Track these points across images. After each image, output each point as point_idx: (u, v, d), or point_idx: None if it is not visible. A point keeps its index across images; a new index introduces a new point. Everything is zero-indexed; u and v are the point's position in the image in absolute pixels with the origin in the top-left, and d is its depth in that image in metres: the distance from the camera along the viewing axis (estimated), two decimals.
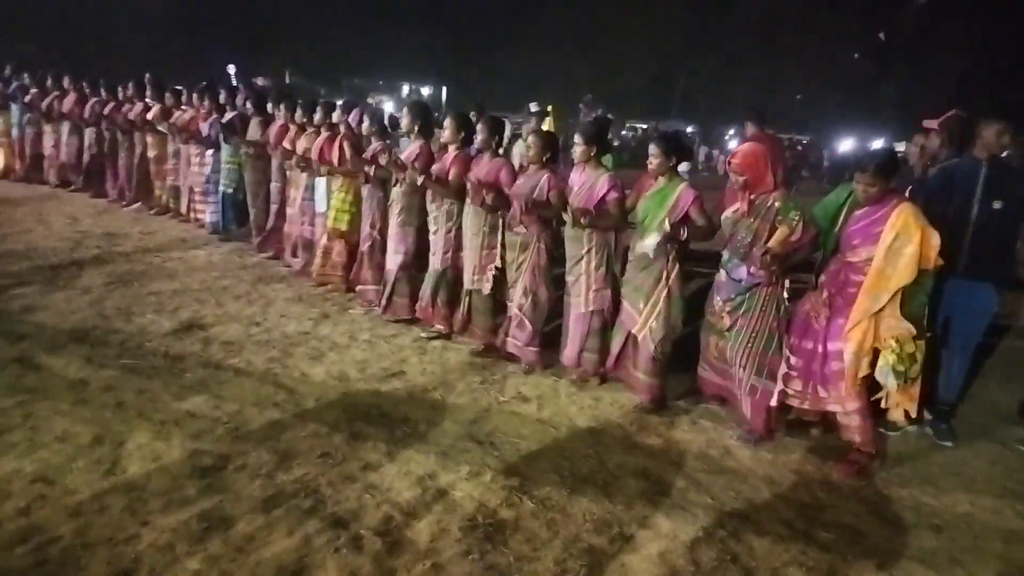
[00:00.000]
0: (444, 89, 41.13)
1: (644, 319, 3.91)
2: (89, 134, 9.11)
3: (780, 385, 3.54)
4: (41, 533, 2.48)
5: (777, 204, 3.48)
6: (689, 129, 35.16)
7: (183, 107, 7.97)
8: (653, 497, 3.05)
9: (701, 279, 4.53)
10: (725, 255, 3.74)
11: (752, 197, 3.55)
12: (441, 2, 39.00)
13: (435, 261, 4.89)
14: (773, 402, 3.56)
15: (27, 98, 9.74)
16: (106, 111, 8.79)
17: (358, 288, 5.54)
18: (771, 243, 3.43)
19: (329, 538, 2.58)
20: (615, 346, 4.14)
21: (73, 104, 9.22)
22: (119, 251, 6.52)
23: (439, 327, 4.93)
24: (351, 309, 5.41)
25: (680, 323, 3.94)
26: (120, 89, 8.87)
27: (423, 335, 4.92)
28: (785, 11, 30.78)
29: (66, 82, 9.58)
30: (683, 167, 4.52)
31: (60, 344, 4.20)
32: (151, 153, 8.27)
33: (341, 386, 3.97)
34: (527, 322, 4.41)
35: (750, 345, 3.59)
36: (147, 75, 8.73)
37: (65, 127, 9.40)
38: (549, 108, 8.49)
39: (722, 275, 3.74)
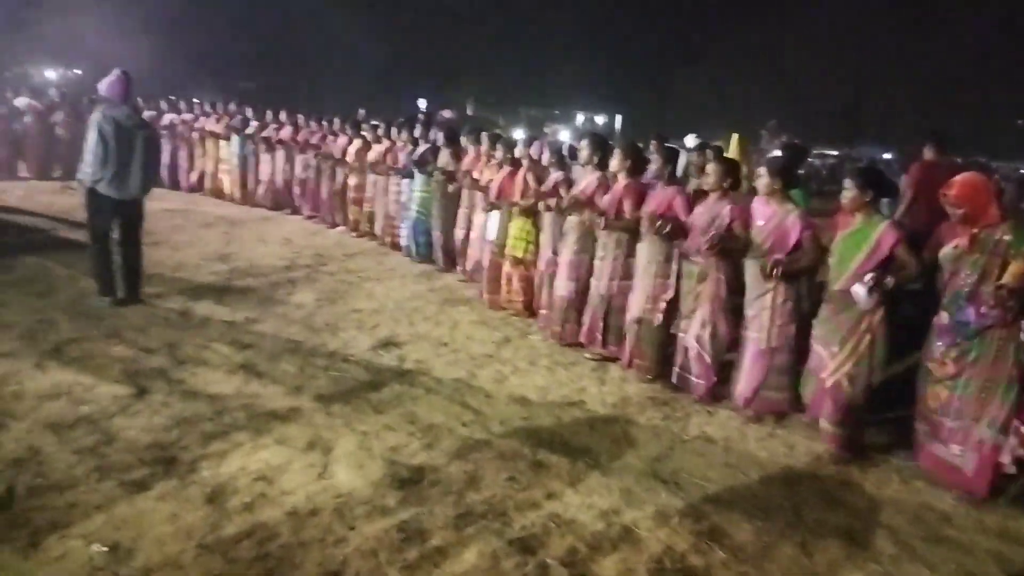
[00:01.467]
0: (618, 117, 41.26)
1: (838, 364, 3.66)
2: (300, 162, 10.21)
3: (1015, 441, 3.16)
4: (263, 529, 2.73)
5: (1007, 237, 3.20)
6: (886, 156, 32.48)
7: (380, 140, 8.65)
8: (860, 562, 2.79)
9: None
10: (947, 297, 3.41)
11: (975, 231, 3.28)
12: (616, 30, 39.16)
13: (599, 287, 4.93)
14: (1004, 459, 3.18)
15: (248, 130, 11.09)
16: (314, 142, 9.87)
17: (540, 313, 5.65)
18: (1005, 279, 3.13)
19: (517, 562, 2.62)
20: (808, 395, 3.92)
21: (288, 136, 10.40)
22: (326, 271, 7.15)
23: (602, 352, 4.97)
24: (531, 334, 5.52)
25: (880, 371, 3.66)
26: (327, 122, 9.93)
27: (587, 356, 5.01)
28: (999, 35, 27.78)
29: (283, 116, 10.85)
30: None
31: (277, 354, 4.66)
32: (351, 181, 9.09)
33: (523, 410, 4.04)
34: (705, 355, 4.30)
35: (982, 395, 3.26)
36: (360, 111, 9.67)
37: (280, 156, 10.62)
38: (735, 137, 8.09)
39: (943, 318, 3.42)
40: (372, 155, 8.58)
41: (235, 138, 11.27)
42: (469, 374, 4.56)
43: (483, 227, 6.46)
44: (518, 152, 6.34)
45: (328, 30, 29.82)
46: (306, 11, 27.91)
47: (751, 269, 4.09)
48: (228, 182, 11.53)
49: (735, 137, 7.86)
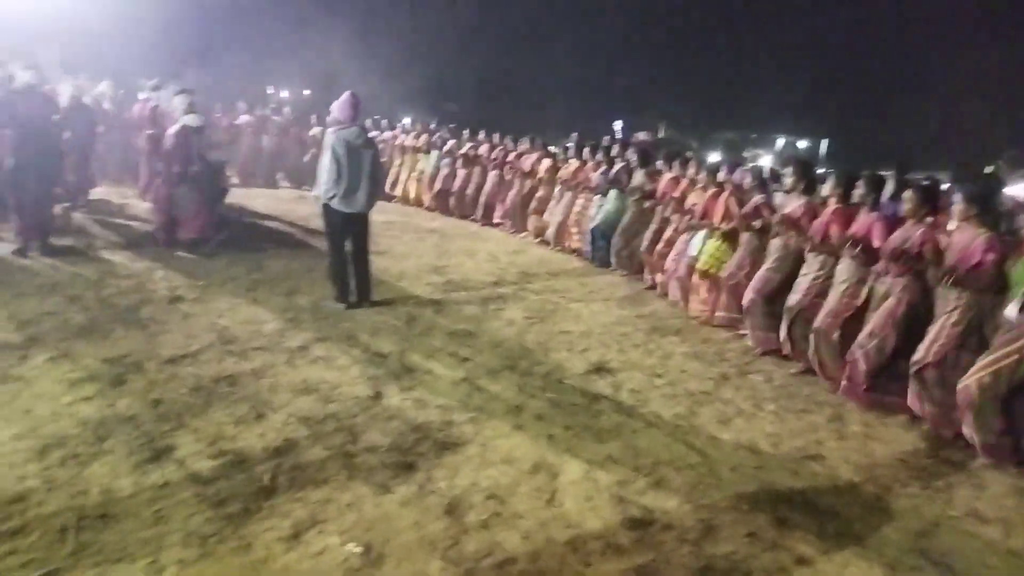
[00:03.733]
0: (824, 142, 38.57)
1: (977, 368, 3.77)
2: (492, 176, 11.36)
3: None
4: (501, 551, 2.72)
5: None
6: None
7: (571, 159, 9.61)
8: None
9: None
10: None
11: None
12: (823, 51, 36.64)
13: (792, 298, 5.21)
14: None
15: (447, 146, 12.29)
16: (509, 158, 11.03)
17: (717, 315, 6.19)
18: None
19: None
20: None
21: (484, 152, 11.55)
22: (531, 289, 7.24)
23: (800, 363, 5.23)
24: (751, 373, 5.17)
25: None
26: (520, 141, 11.06)
27: (792, 372, 5.22)
28: None
29: (481, 135, 12.00)
30: None
31: (496, 370, 4.73)
32: (538, 194, 10.28)
33: (754, 459, 3.75)
34: (861, 362, 4.49)
35: None
36: (574, 134, 10.19)
37: (475, 171, 11.83)
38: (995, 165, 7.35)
39: None
40: (563, 172, 9.58)
41: (433, 152, 12.61)
42: (689, 411, 4.34)
43: (682, 244, 6.92)
44: (721, 176, 6.69)
45: (531, 55, 30.88)
46: (515, 39, 29.10)
47: (939, 292, 4.22)
48: (417, 190, 12.92)
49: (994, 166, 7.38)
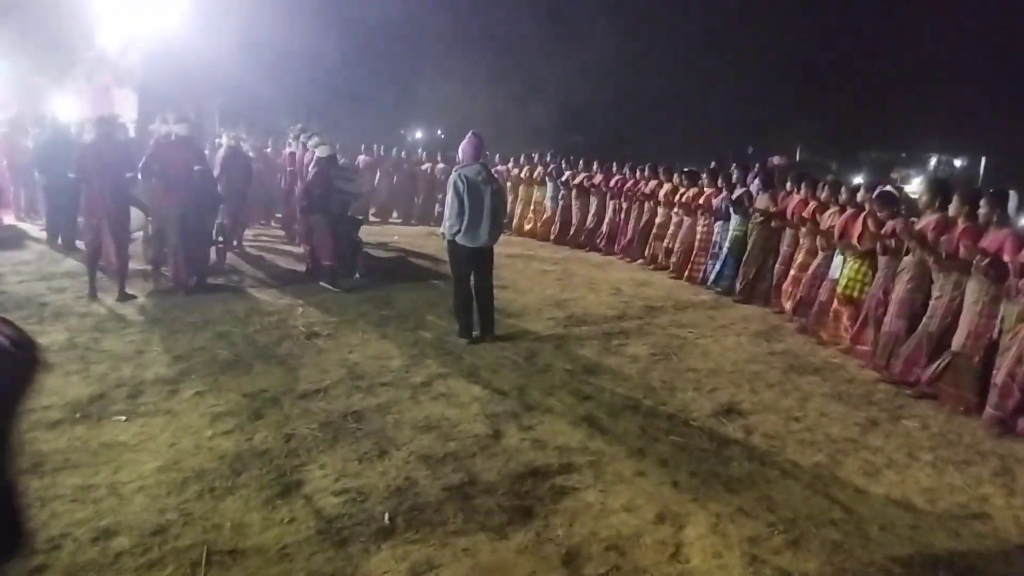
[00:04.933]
0: (983, 160, 35.26)
1: None
2: (612, 205, 11.55)
3: None
4: None
5: None
6: None
7: (692, 184, 9.65)
8: None
9: None
10: None
11: None
12: (984, 56, 33.61)
13: (930, 324, 5.14)
14: None
15: (563, 178, 12.55)
16: (626, 187, 11.15)
17: (857, 348, 5.96)
18: None
19: None
20: None
21: (600, 181, 11.70)
22: (657, 323, 7.03)
23: (923, 387, 5.09)
24: (904, 419, 4.70)
25: None
26: (638, 169, 11.17)
27: (908, 392, 5.14)
28: None
29: (595, 165, 12.20)
30: None
31: (617, 409, 4.58)
32: (657, 220, 10.39)
33: (907, 517, 3.36)
34: (1017, 392, 4.34)
35: None
36: (712, 163, 10.13)
37: (593, 200, 12.03)
38: None
39: None
40: (680, 197, 9.64)
41: (549, 183, 12.88)
42: (831, 460, 3.98)
43: (816, 266, 6.94)
44: (860, 197, 6.60)
45: (661, 85, 30.65)
46: (646, 70, 29.03)
47: None
48: (536, 222, 13.19)
49: None
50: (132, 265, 7.15)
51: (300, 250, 9.39)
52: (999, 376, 4.48)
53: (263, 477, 3.42)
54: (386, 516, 3.10)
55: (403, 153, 15.65)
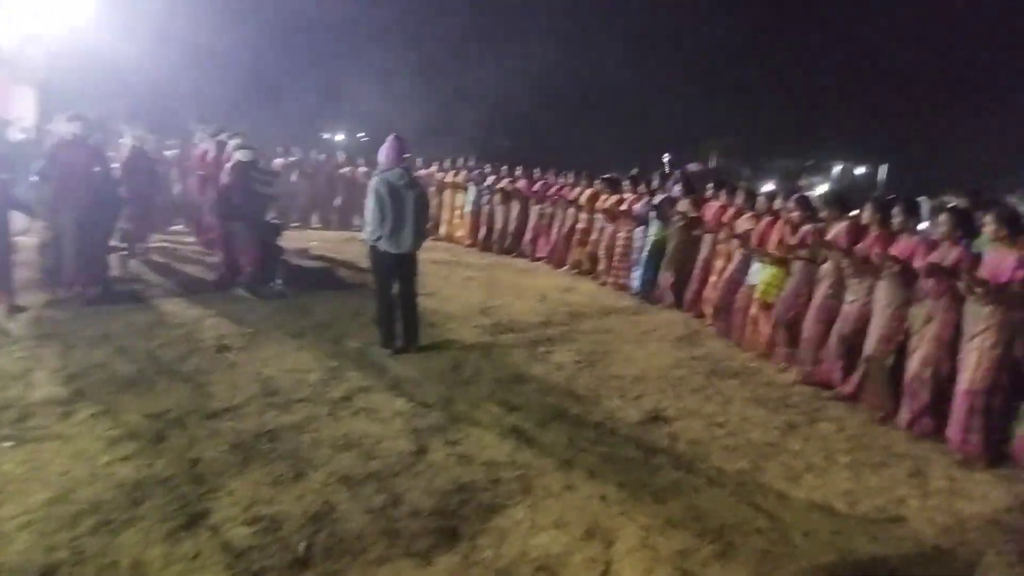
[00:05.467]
0: (883, 168, 37.38)
1: None
2: (534, 211, 11.55)
3: None
4: None
5: None
6: None
7: (613, 191, 9.69)
8: None
9: None
10: None
11: None
12: (884, 72, 35.64)
13: (843, 327, 5.25)
14: None
15: (486, 182, 12.43)
16: (550, 192, 11.19)
17: (776, 350, 6.07)
18: None
19: None
20: (1018, 437, 4.05)
21: (523, 187, 11.68)
22: (581, 330, 7.01)
23: (841, 390, 5.22)
24: (820, 422, 4.82)
25: None
26: (561, 175, 11.27)
27: (826, 395, 5.28)
28: None
29: (518, 170, 12.12)
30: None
31: (545, 419, 4.50)
32: (579, 225, 10.37)
33: (830, 521, 3.42)
34: (921, 393, 4.52)
35: None
36: (634, 169, 10.20)
37: (515, 205, 11.91)
38: None
39: None
40: (602, 203, 9.69)
41: (472, 188, 12.71)
42: (754, 466, 4.02)
43: (732, 271, 6.99)
44: (777, 205, 6.77)
45: (582, 91, 31.03)
46: (567, 75, 29.33)
47: (967, 310, 4.28)
48: (460, 227, 13.06)
49: None
50: (23, 274, 6.60)
51: (212, 257, 8.94)
52: (908, 378, 4.63)
53: (166, 507, 3.15)
54: (302, 546, 2.90)
55: (322, 156, 15.20)
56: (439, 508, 3.28)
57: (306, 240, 11.43)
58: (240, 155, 7.45)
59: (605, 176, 10.27)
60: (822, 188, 31.62)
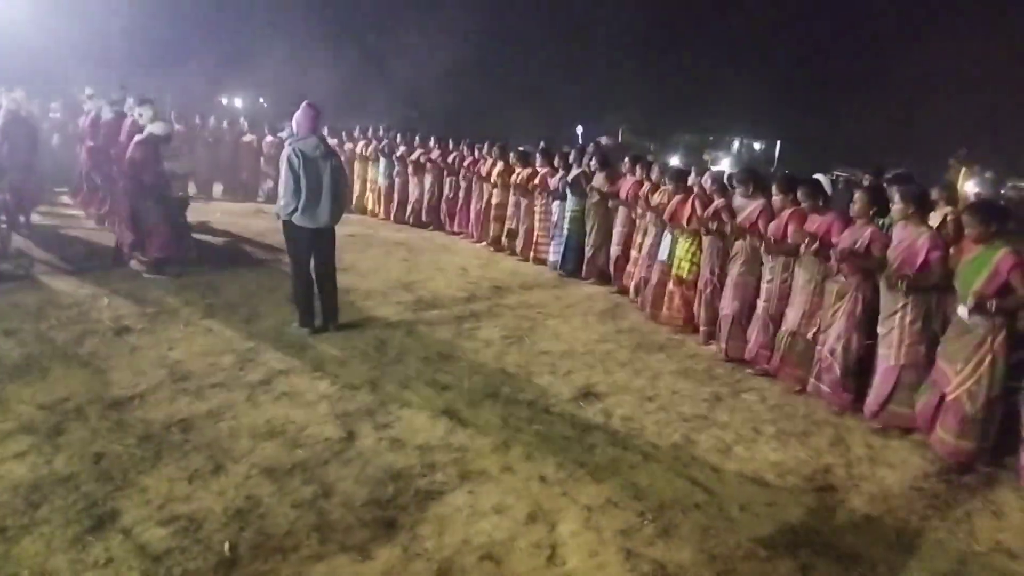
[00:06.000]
0: (778, 144, 39.10)
1: (959, 381, 3.86)
2: (449, 183, 11.21)
3: None
4: None
5: None
6: None
7: (527, 165, 9.44)
8: None
9: None
10: None
11: None
12: (779, 54, 37.24)
13: (769, 307, 5.30)
14: None
15: (398, 152, 11.97)
16: (464, 164, 10.75)
17: (700, 329, 6.11)
18: None
19: None
20: (920, 405, 4.11)
21: (437, 158, 11.28)
22: (506, 304, 6.92)
23: (765, 367, 5.29)
24: (743, 393, 4.93)
25: (999, 390, 3.79)
26: (476, 148, 10.73)
27: (748, 371, 5.35)
28: None
29: (431, 141, 11.74)
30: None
31: (477, 399, 4.39)
32: (494, 201, 10.00)
33: (763, 493, 3.48)
34: (836, 366, 4.62)
35: None
36: (541, 142, 9.83)
37: (428, 178, 11.58)
38: (962, 170, 7.36)
39: None
40: (516, 177, 9.42)
41: (382, 160, 12.28)
42: (686, 439, 4.06)
43: (650, 247, 6.97)
44: (690, 181, 6.78)
45: (492, 63, 30.66)
46: (476, 46, 28.86)
47: (883, 288, 4.36)
48: (372, 200, 12.68)
49: (962, 170, 7.48)
50: None
51: (100, 229, 8.26)
52: (823, 351, 4.72)
53: (69, 509, 2.85)
54: (226, 546, 2.68)
55: (225, 123, 14.29)
56: (373, 498, 3.12)
57: (209, 213, 10.77)
58: (155, 128, 6.77)
59: (520, 148, 10.09)
60: (725, 162, 32.73)
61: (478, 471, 3.45)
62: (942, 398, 3.95)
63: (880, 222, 4.75)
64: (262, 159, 13.39)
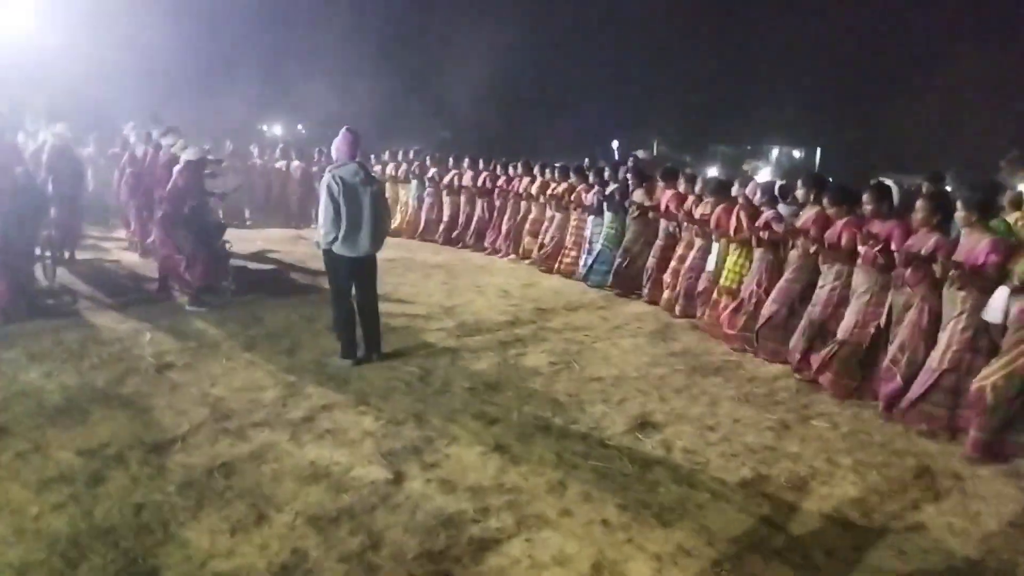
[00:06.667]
0: (818, 151, 38.27)
1: (989, 372, 3.90)
2: (482, 204, 11.35)
3: None
4: None
5: None
6: None
7: (563, 180, 9.62)
8: None
9: None
10: None
11: None
12: (816, 62, 36.58)
13: (813, 312, 5.26)
14: None
15: (429, 174, 12.05)
16: (499, 184, 10.91)
17: (737, 333, 6.03)
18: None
19: None
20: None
21: (469, 179, 11.37)
22: (551, 327, 6.69)
23: (807, 374, 5.24)
24: (812, 419, 4.60)
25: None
26: (511, 166, 10.88)
27: (796, 377, 5.31)
28: None
29: (466, 162, 11.77)
30: None
31: (528, 432, 4.16)
32: (531, 216, 10.24)
33: (848, 536, 3.17)
34: (898, 376, 4.50)
35: None
36: (586, 160, 9.91)
37: (461, 199, 11.67)
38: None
39: None
40: (551, 191, 9.62)
41: (413, 181, 12.44)
42: (755, 474, 3.76)
43: (693, 259, 7.06)
44: (734, 191, 6.76)
45: (527, 82, 30.67)
46: (510, 67, 28.90)
47: (945, 297, 4.30)
48: (401, 219, 12.67)
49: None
50: None
51: (148, 264, 8.29)
52: (887, 361, 4.62)
53: (107, 567, 2.70)
54: None
55: (265, 152, 14.49)
56: (425, 549, 2.91)
57: (250, 240, 10.79)
58: (188, 154, 6.79)
59: (557, 165, 10.09)
60: (765, 172, 32.11)
61: (535, 515, 3.22)
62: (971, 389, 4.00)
63: (1001, 229, 4.63)
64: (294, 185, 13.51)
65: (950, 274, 4.10)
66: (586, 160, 10.15)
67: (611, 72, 35.83)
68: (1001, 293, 3.93)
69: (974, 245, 4.15)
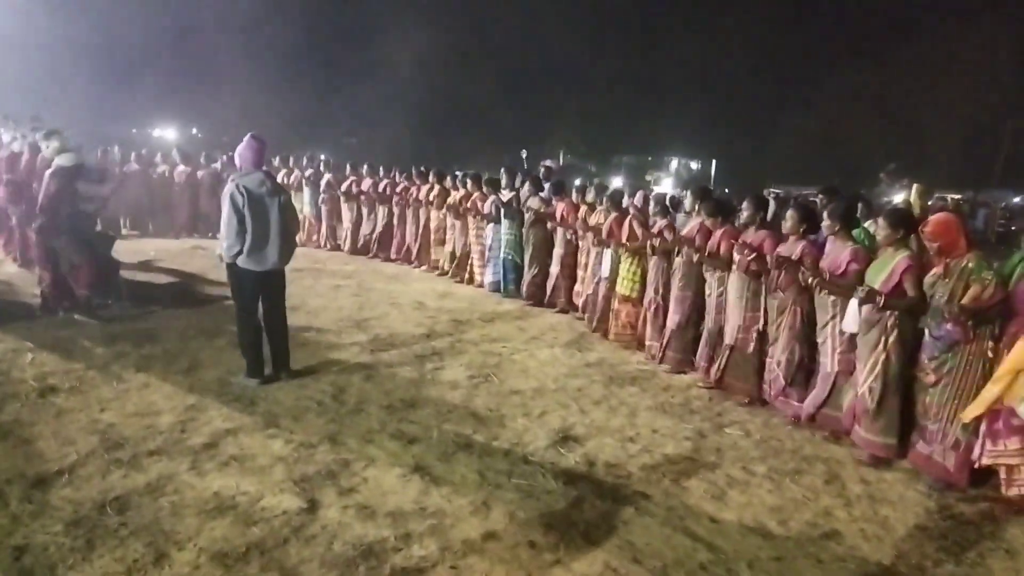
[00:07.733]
0: (713, 163, 40.07)
1: (863, 378, 4.18)
2: (382, 211, 11.17)
3: (984, 441, 3.62)
4: None
5: (971, 265, 3.70)
6: (1017, 200, 29.75)
7: (458, 188, 9.63)
8: None
9: None
10: (928, 315, 3.90)
11: (948, 261, 3.81)
12: (713, 78, 38.40)
13: (709, 320, 5.57)
14: (979, 457, 3.63)
15: (324, 180, 11.76)
16: (398, 191, 10.75)
17: (647, 344, 6.27)
18: (964, 300, 3.63)
19: None
20: (844, 405, 4.46)
21: (369, 188, 11.20)
22: (468, 339, 6.58)
23: (707, 379, 5.49)
24: (726, 427, 4.70)
25: (896, 387, 4.08)
26: (409, 173, 10.82)
27: (699, 385, 5.50)
28: None
29: (364, 168, 11.65)
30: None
31: (449, 452, 4.03)
32: (432, 224, 10.18)
33: (769, 546, 3.22)
34: (781, 377, 4.87)
35: (956, 401, 3.75)
36: (502, 168, 9.79)
37: (360, 206, 11.56)
38: (915, 188, 7.56)
39: (926, 334, 3.92)
40: (450, 200, 9.55)
41: (307, 189, 12.08)
42: (676, 485, 3.78)
43: (592, 265, 7.23)
44: (625, 202, 7.12)
45: (435, 89, 30.51)
46: (417, 73, 28.66)
47: (817, 300, 4.62)
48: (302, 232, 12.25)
49: (915, 187, 7.66)
50: None
51: (30, 278, 7.61)
52: (771, 363, 4.98)
53: None
54: None
55: (157, 155, 13.60)
56: None
57: (143, 251, 10.12)
58: (62, 159, 6.24)
59: (459, 174, 10.22)
60: (667, 182, 33.19)
61: (459, 540, 3.10)
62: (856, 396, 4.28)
63: (860, 238, 4.90)
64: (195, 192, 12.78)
65: (811, 281, 4.38)
66: (502, 169, 10.04)
67: (521, 83, 36.27)
68: (855, 303, 4.20)
69: (838, 253, 4.50)
